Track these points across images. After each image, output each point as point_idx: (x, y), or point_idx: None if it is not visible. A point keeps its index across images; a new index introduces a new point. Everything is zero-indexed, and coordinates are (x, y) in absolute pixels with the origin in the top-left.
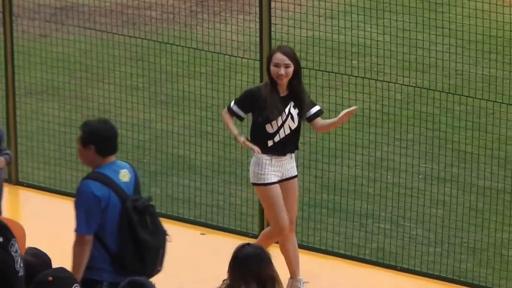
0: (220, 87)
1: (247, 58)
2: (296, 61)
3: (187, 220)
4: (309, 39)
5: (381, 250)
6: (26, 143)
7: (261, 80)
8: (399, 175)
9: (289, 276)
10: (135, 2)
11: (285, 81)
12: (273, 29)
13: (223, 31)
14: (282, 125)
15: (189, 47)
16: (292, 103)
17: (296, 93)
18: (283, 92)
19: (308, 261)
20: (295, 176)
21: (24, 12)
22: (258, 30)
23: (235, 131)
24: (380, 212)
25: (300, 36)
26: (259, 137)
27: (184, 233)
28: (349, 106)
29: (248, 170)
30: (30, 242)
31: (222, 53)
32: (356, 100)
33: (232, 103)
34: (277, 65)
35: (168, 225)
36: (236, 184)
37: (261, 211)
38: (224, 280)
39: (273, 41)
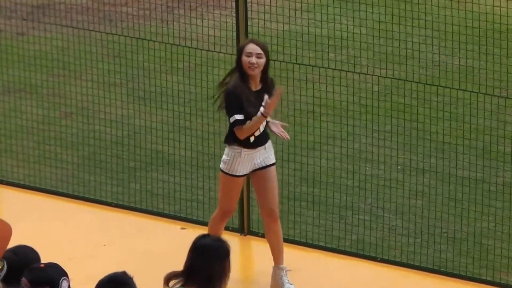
0: (197, 82)
1: (224, 53)
2: (267, 54)
3: (167, 215)
4: (286, 32)
5: (361, 242)
6: (5, 141)
7: None
8: (378, 166)
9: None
10: None
11: (256, 71)
12: (249, 23)
13: (199, 27)
14: None
15: (166, 43)
16: (266, 96)
17: (268, 86)
18: (256, 86)
19: (288, 254)
20: (272, 165)
21: (1, 10)
22: (234, 25)
23: (256, 118)
24: (359, 204)
25: (277, 30)
26: None
27: (165, 228)
28: (327, 99)
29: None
30: (10, 240)
31: (199, 48)
32: (333, 92)
33: (233, 117)
34: (249, 55)
35: (148, 221)
36: (216, 178)
37: (241, 205)
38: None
39: (249, 36)
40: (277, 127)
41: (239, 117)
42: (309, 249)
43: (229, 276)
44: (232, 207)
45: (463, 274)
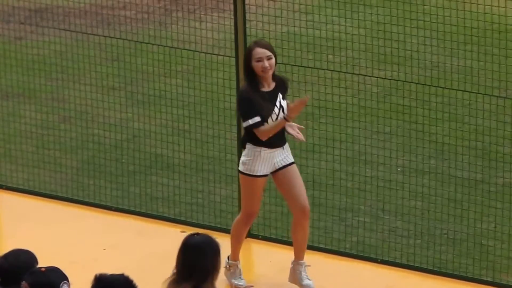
0: (196, 85)
1: (223, 56)
2: (274, 52)
3: (167, 219)
4: (285, 34)
5: (361, 244)
6: (4, 146)
7: (237, 77)
8: (378, 168)
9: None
10: (110, 3)
11: (270, 73)
12: (248, 25)
13: (198, 29)
14: (277, 119)
15: (164, 46)
16: (280, 95)
17: (280, 83)
18: (269, 86)
19: (288, 256)
20: (292, 163)
21: None
22: (233, 27)
23: (278, 121)
24: (359, 206)
25: (275, 32)
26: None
27: (164, 232)
28: (326, 101)
29: (226, 167)
30: (10, 244)
31: (198, 51)
32: (332, 94)
33: (248, 121)
34: (259, 60)
35: (148, 224)
36: (215, 181)
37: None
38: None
39: (248, 38)
40: (293, 129)
41: (256, 119)
42: (309, 251)
43: (218, 273)
44: (256, 209)
45: (464, 275)
